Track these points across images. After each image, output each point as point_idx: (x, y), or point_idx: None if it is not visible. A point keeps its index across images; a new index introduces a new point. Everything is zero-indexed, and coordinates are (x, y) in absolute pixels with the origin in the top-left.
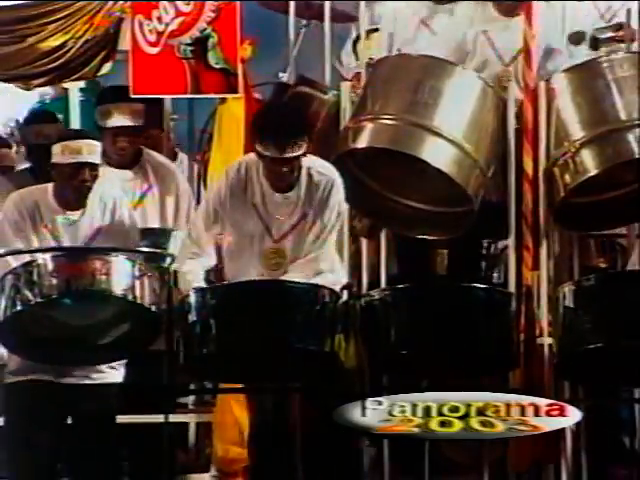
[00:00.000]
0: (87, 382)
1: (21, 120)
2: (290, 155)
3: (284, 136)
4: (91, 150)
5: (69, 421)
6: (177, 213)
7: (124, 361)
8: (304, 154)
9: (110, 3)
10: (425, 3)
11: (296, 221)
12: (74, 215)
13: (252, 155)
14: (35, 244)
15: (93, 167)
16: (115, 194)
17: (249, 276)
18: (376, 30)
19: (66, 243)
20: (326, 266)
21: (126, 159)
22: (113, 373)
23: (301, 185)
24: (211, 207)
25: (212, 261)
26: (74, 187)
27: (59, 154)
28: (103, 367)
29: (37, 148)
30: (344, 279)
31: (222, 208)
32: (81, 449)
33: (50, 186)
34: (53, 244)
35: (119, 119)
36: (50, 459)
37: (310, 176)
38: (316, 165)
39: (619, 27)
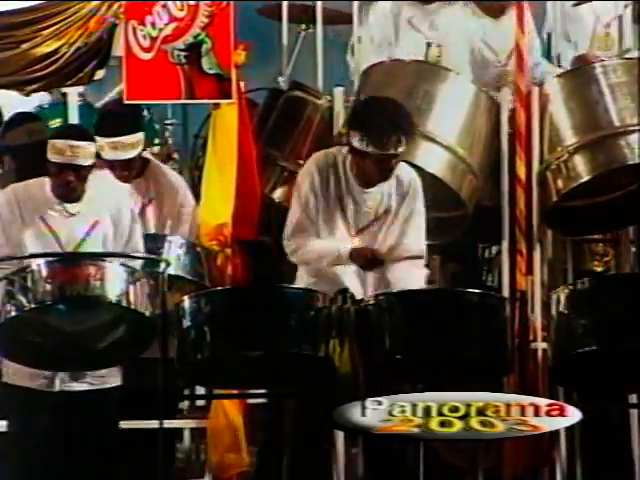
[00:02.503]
0: (84, 389)
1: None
2: (394, 152)
3: (393, 133)
4: (76, 152)
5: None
6: (177, 225)
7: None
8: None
9: (103, 9)
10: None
11: (379, 215)
12: (72, 208)
13: (339, 149)
14: (29, 239)
15: (79, 168)
16: (122, 201)
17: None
18: None
19: (62, 236)
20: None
21: (129, 179)
22: (114, 375)
23: (385, 183)
24: (304, 197)
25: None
26: (59, 185)
27: (49, 151)
28: (102, 372)
29: (27, 147)
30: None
31: (315, 197)
32: (76, 458)
33: (47, 179)
34: (49, 237)
35: (113, 153)
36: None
37: (396, 175)
38: (399, 164)
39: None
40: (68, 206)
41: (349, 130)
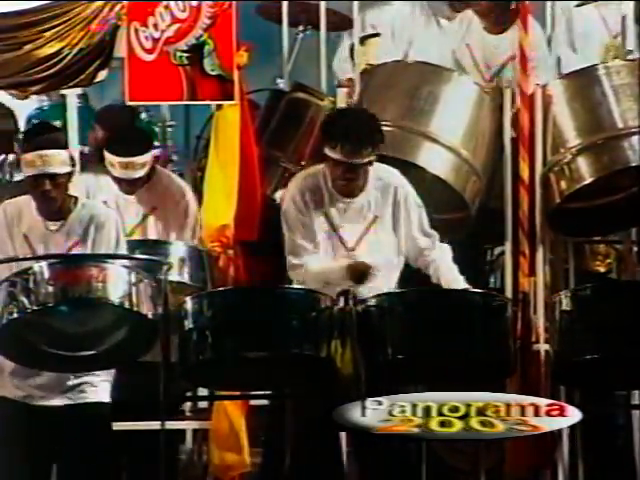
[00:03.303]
0: (69, 403)
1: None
2: (359, 161)
3: (357, 141)
4: (47, 161)
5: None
6: (182, 232)
7: (107, 378)
8: (371, 162)
9: (106, 10)
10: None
11: (368, 225)
12: (53, 225)
13: (321, 167)
14: (12, 253)
15: (54, 177)
16: (102, 212)
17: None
18: (373, 36)
19: (40, 253)
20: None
21: (134, 191)
22: (96, 391)
23: (369, 188)
24: (293, 216)
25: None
26: (37, 198)
27: (22, 167)
28: (85, 387)
29: None
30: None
31: (300, 214)
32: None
33: None
34: (28, 253)
35: (124, 173)
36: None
37: (378, 179)
38: (379, 168)
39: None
40: (49, 223)
41: (323, 140)
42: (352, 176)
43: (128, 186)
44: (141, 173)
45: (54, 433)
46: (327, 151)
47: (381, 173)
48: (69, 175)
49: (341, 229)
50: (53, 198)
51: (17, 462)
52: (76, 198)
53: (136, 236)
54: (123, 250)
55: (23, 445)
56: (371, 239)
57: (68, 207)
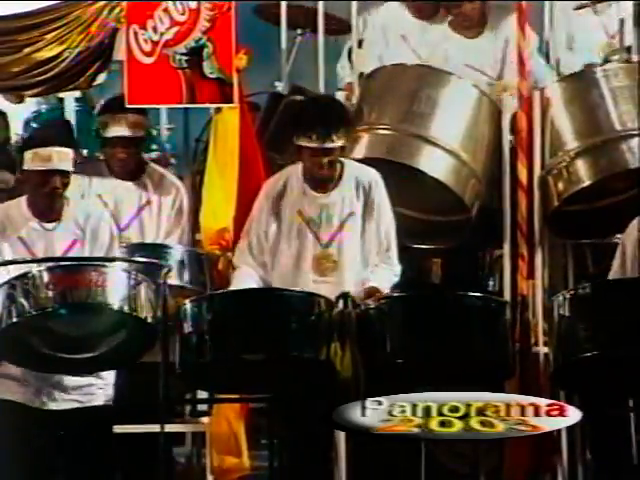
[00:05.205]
0: (75, 406)
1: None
2: (332, 145)
3: (327, 126)
4: (62, 157)
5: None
6: (174, 228)
7: (111, 380)
8: (343, 147)
9: (105, 13)
10: (407, 19)
11: (342, 221)
12: (49, 225)
13: (290, 167)
14: (8, 257)
15: (64, 174)
16: (96, 211)
17: (300, 284)
18: None
19: (39, 253)
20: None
21: (128, 170)
22: (99, 394)
23: (343, 184)
24: (254, 226)
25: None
26: (44, 195)
27: (29, 161)
28: (92, 389)
29: None
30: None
31: (267, 222)
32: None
33: (23, 198)
34: (26, 254)
35: (116, 129)
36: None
37: (354, 177)
38: (356, 166)
39: (629, 49)
40: (45, 224)
41: (296, 132)
42: (327, 162)
43: (123, 148)
44: (135, 133)
45: (60, 436)
46: (301, 142)
47: (356, 171)
48: (70, 176)
49: (315, 225)
50: (60, 196)
51: (20, 465)
52: (66, 197)
53: (133, 229)
54: (115, 250)
55: (27, 448)
56: (345, 236)
57: (62, 207)
